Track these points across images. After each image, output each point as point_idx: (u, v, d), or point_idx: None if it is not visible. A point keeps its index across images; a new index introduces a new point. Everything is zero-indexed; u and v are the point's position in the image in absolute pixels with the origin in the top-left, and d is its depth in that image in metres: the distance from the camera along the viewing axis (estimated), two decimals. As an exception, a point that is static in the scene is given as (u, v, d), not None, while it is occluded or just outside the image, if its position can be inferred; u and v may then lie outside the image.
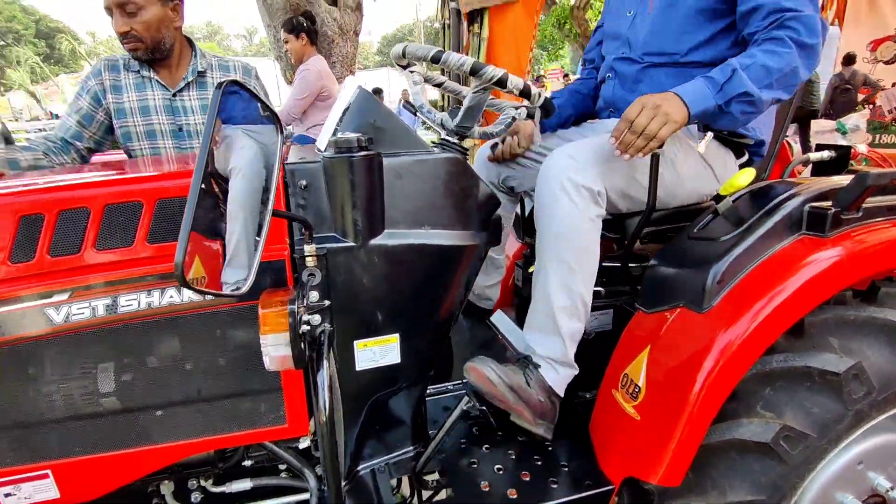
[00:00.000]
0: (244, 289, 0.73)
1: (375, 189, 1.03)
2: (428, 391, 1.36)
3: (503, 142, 1.48)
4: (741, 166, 1.36)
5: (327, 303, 1.03)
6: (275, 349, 0.88)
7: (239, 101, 0.76)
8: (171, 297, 0.94)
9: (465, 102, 1.22)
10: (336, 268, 1.03)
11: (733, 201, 1.18)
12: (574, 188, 1.13)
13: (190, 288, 0.66)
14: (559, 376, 1.20)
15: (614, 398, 1.21)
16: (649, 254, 1.68)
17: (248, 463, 1.22)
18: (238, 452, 1.21)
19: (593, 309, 1.44)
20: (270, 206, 0.73)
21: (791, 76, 1.11)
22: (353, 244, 1.03)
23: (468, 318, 1.82)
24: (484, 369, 1.11)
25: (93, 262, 0.92)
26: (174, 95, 1.76)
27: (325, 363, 0.92)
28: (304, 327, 0.91)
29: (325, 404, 0.90)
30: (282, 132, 0.75)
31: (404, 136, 1.08)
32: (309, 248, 0.96)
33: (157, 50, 1.68)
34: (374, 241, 1.04)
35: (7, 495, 0.97)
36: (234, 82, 0.71)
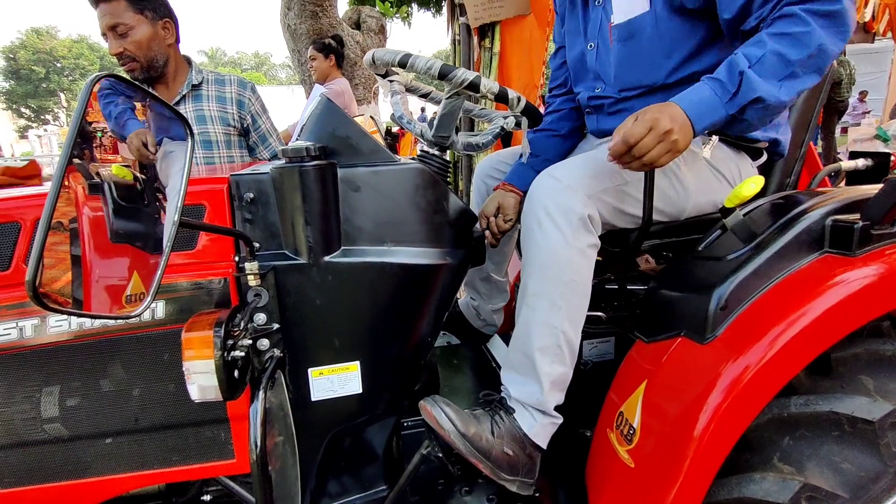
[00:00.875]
0: (138, 311, 0.65)
1: (329, 202, 0.94)
2: (407, 423, 1.24)
3: (487, 222, 1.33)
4: (761, 169, 1.19)
5: (276, 326, 0.94)
6: (202, 377, 0.79)
7: (159, 109, 0.69)
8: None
9: (439, 110, 1.13)
10: (286, 288, 0.94)
11: (744, 214, 1.02)
12: (561, 214, 0.99)
13: (49, 308, 0.58)
14: (537, 424, 1.04)
15: (608, 438, 1.05)
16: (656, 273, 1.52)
17: (206, 497, 1.14)
18: (194, 486, 1.12)
19: (593, 336, 1.30)
20: (177, 218, 0.65)
21: (818, 58, 0.89)
22: (304, 262, 0.94)
23: (468, 345, 1.69)
24: (434, 411, 0.97)
25: (22, 280, 0.86)
26: None
27: (261, 394, 0.83)
28: (237, 353, 0.82)
29: (257, 441, 0.80)
30: (192, 135, 0.67)
31: (366, 146, 1.00)
32: (250, 266, 0.88)
33: (152, 68, 1.72)
34: (328, 259, 0.95)
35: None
36: (112, 75, 0.64)
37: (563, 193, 1.00)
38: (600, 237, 1.13)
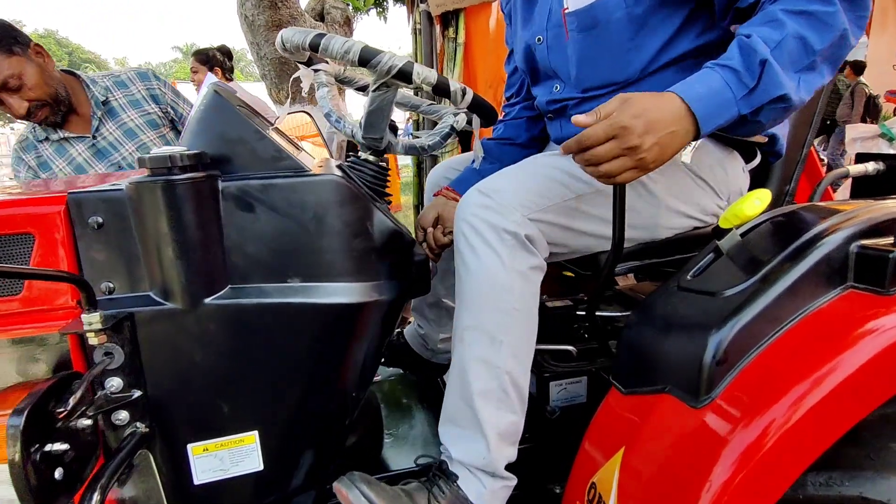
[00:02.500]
0: None
1: (209, 226, 0.71)
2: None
3: (425, 235, 1.12)
4: (754, 173, 1.00)
5: (137, 393, 0.71)
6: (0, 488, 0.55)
7: None
8: None
9: (365, 106, 0.91)
10: (151, 342, 0.71)
11: (741, 235, 0.82)
12: (493, 233, 0.80)
13: None
14: (487, 491, 0.84)
15: (580, 515, 0.85)
16: (639, 296, 1.33)
17: None
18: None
19: (561, 375, 1.10)
20: None
21: (839, 47, 0.72)
22: (176, 307, 0.71)
23: (419, 378, 1.47)
24: (351, 495, 0.76)
25: None
26: (94, 138, 1.60)
27: (95, 497, 0.59)
28: (57, 446, 0.58)
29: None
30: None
31: (265, 152, 0.77)
32: (88, 319, 0.64)
33: (61, 102, 1.51)
34: (210, 301, 0.72)
35: None
36: None
37: (493, 212, 0.81)
38: (571, 261, 0.93)
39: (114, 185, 0.73)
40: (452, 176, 1.29)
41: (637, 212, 0.90)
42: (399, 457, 1.12)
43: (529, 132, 1.24)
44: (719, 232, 0.82)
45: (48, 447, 0.57)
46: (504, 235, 0.79)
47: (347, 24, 4.62)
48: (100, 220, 0.69)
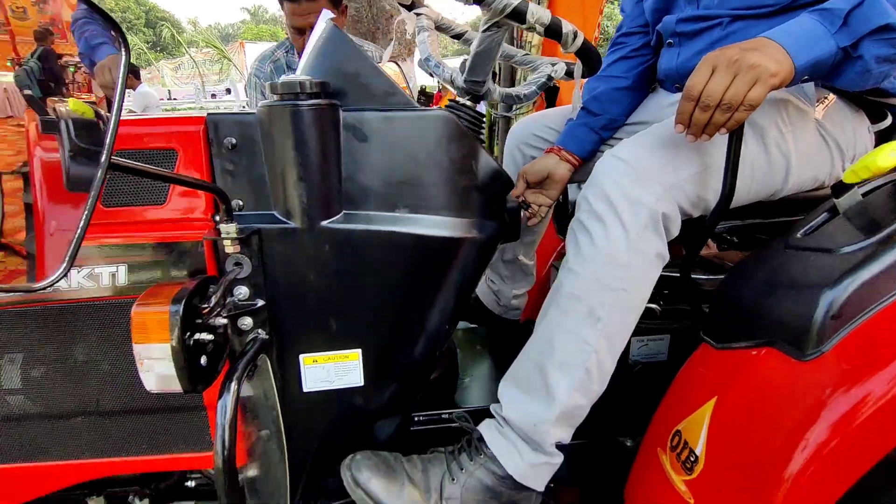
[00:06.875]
0: (45, 283, 0.48)
1: (329, 153, 0.76)
2: (419, 418, 1.08)
3: (524, 201, 1.11)
4: (880, 136, 0.94)
5: (260, 302, 0.78)
6: (159, 365, 0.63)
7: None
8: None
9: (473, 47, 0.91)
10: (274, 257, 0.77)
11: (863, 194, 0.78)
12: (629, 206, 0.77)
13: None
14: (524, 464, 0.82)
15: (659, 460, 0.86)
16: (726, 263, 1.29)
17: (190, 484, 1.01)
18: (175, 472, 1.00)
19: (644, 332, 1.09)
20: (105, 161, 0.48)
21: None
22: (297, 226, 0.76)
23: (490, 330, 1.51)
24: (345, 475, 0.82)
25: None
26: None
27: (233, 385, 0.67)
28: (204, 336, 0.65)
29: (224, 442, 0.65)
30: (125, 48, 0.49)
31: (380, 86, 0.80)
32: (226, 229, 0.71)
33: None
34: (326, 224, 0.77)
35: None
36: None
37: (635, 183, 0.78)
38: None
39: (246, 109, 0.78)
40: (542, 132, 1.27)
41: (762, 169, 0.85)
42: (471, 399, 1.17)
43: (640, 69, 1.15)
44: (838, 189, 0.79)
45: (196, 336, 0.65)
46: (639, 210, 0.77)
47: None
48: (234, 140, 0.75)
